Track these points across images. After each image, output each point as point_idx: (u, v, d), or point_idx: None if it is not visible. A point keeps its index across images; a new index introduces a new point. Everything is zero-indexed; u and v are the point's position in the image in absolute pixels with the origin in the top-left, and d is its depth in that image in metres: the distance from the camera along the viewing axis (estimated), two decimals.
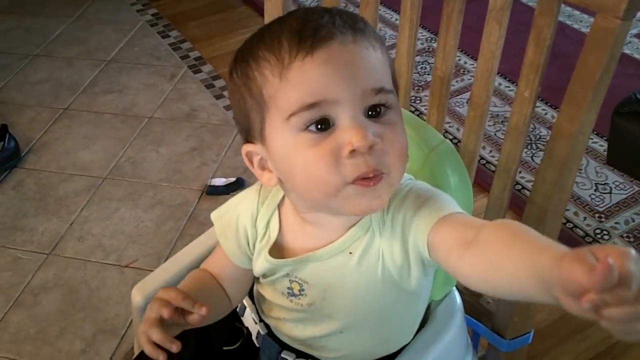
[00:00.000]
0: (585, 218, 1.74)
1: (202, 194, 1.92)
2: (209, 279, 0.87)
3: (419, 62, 2.43)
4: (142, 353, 0.91)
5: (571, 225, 1.72)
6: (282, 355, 0.86)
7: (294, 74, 0.66)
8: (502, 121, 2.11)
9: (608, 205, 1.78)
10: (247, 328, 0.94)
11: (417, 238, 0.70)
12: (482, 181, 1.74)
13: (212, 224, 0.88)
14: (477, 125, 1.05)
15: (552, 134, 0.91)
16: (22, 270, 1.69)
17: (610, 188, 1.83)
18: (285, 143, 0.68)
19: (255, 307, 0.91)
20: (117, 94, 2.39)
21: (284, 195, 0.80)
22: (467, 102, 2.20)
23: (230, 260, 0.85)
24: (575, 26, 2.55)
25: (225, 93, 2.33)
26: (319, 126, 0.66)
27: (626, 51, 2.41)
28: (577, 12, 2.63)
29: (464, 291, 1.04)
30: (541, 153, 1.96)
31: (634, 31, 2.52)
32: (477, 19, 1.15)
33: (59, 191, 1.95)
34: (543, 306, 0.92)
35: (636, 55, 2.40)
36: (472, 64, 2.39)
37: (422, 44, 2.54)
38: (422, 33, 2.59)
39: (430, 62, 2.43)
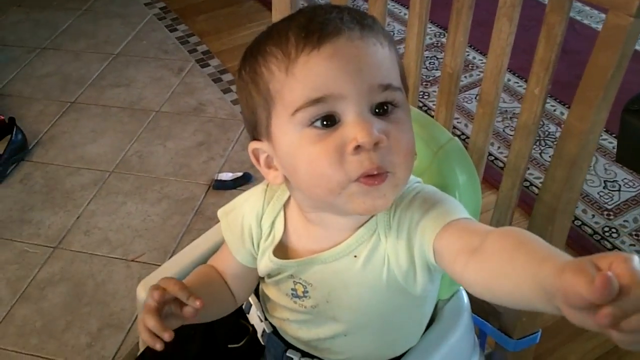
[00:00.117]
0: (593, 215, 1.73)
1: (208, 188, 1.91)
2: (214, 275, 0.87)
3: (427, 57, 2.42)
4: (147, 349, 0.91)
5: (579, 222, 1.71)
6: (288, 354, 0.85)
7: (300, 68, 0.65)
8: (510, 117, 2.09)
9: (617, 203, 1.77)
10: (252, 326, 0.93)
11: (423, 243, 0.69)
12: (490, 177, 1.73)
13: (218, 219, 0.87)
14: (486, 122, 1.04)
15: (562, 133, 0.90)
16: (29, 264, 1.70)
17: (619, 186, 1.82)
18: (290, 139, 0.67)
19: (261, 305, 0.91)
20: (125, 88, 2.39)
21: (290, 196, 0.79)
22: (475, 98, 2.19)
23: (235, 258, 0.85)
24: (586, 22, 2.53)
25: (233, 87, 2.32)
26: (325, 122, 0.65)
27: (638, 48, 2.39)
28: (587, 8, 2.61)
29: None
30: (550, 150, 1.95)
31: None
32: (486, 13, 1.14)
33: (66, 185, 1.96)
34: None
35: None
36: (481, 59, 2.37)
37: (430, 38, 2.53)
38: (430, 28, 2.57)
39: (438, 57, 2.41)
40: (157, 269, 1.00)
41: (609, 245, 1.64)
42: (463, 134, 2.03)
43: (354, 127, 0.64)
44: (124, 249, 1.73)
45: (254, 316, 0.93)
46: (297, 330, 0.84)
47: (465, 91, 2.24)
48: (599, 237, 1.67)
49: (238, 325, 0.95)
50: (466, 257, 0.62)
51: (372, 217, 0.74)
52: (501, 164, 1.91)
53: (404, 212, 0.72)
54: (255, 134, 0.73)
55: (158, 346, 0.69)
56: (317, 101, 0.65)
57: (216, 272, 0.87)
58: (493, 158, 1.94)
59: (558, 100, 2.14)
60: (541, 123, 2.03)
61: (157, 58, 2.55)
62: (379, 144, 0.64)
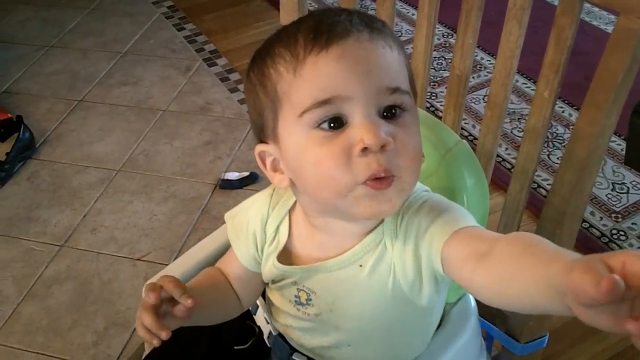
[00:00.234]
0: (601, 218, 1.72)
1: (215, 187, 1.91)
2: (220, 278, 0.86)
3: (435, 57, 2.41)
4: (153, 350, 0.91)
5: (587, 225, 1.70)
6: (294, 357, 0.85)
7: (308, 69, 0.65)
8: (518, 118, 2.09)
9: (625, 205, 1.76)
10: (258, 327, 0.93)
11: (431, 250, 0.68)
12: (497, 179, 1.72)
13: (224, 219, 0.87)
14: (495, 125, 1.03)
15: (571, 136, 0.90)
16: (35, 262, 1.70)
17: (628, 188, 1.81)
18: (297, 141, 0.67)
19: (267, 307, 0.90)
20: (132, 86, 2.39)
21: (296, 201, 0.79)
22: (483, 99, 2.18)
23: (241, 262, 0.85)
24: (595, 23, 2.52)
25: (240, 86, 2.32)
26: (332, 124, 0.65)
27: None
28: (596, 9, 2.59)
29: None
30: (558, 151, 1.94)
31: None
32: (494, 14, 1.13)
33: (72, 183, 1.96)
34: None
35: None
36: (490, 60, 2.36)
37: (438, 39, 2.52)
38: (439, 28, 2.56)
39: (447, 57, 2.40)
40: (162, 270, 1.00)
41: (616, 248, 1.63)
42: (470, 134, 2.02)
43: (361, 129, 0.64)
44: (130, 247, 1.73)
45: (261, 317, 0.92)
46: (300, 337, 0.83)
47: (473, 92, 2.23)
48: (607, 240, 1.66)
49: (244, 326, 0.94)
50: (474, 263, 0.61)
51: (378, 225, 0.73)
52: (509, 166, 1.90)
53: (411, 220, 0.71)
54: (262, 137, 0.73)
55: (155, 342, 0.68)
56: (324, 102, 0.64)
57: (222, 275, 0.87)
58: (501, 159, 1.93)
59: (566, 102, 2.13)
60: (549, 124, 2.03)
61: (164, 57, 2.55)
62: (385, 146, 0.64)
